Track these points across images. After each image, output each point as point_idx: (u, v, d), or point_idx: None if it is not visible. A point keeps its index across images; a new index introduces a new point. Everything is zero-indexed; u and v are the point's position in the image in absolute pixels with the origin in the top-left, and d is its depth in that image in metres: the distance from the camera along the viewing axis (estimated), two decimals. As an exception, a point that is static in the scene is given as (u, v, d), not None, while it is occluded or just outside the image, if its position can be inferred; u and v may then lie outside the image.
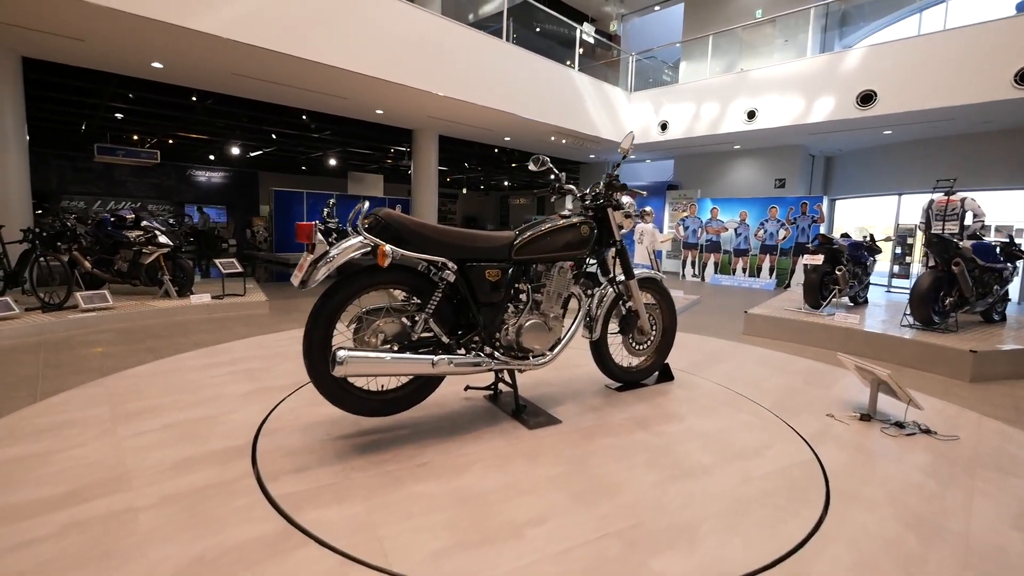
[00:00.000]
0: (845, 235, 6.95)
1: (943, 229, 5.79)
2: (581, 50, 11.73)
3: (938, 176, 6.70)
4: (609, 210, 2.68)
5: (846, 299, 6.95)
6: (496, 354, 2.30)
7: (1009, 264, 5.42)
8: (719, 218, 12.32)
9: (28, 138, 7.11)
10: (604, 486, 1.86)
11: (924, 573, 1.45)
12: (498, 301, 2.30)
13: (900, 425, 2.51)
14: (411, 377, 2.25)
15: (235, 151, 16.51)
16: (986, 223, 5.90)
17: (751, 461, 2.09)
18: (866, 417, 2.60)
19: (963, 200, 5.81)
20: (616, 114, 12.18)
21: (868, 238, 6.87)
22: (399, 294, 2.23)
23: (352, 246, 1.93)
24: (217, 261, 6.95)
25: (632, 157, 15.13)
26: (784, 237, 11.22)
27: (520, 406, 2.49)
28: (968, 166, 9.97)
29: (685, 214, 12.96)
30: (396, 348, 2.12)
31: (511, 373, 2.51)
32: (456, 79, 8.51)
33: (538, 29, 11.63)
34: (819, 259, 6.19)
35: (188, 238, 14.40)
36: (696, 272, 12.71)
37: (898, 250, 9.65)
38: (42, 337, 4.84)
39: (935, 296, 5.06)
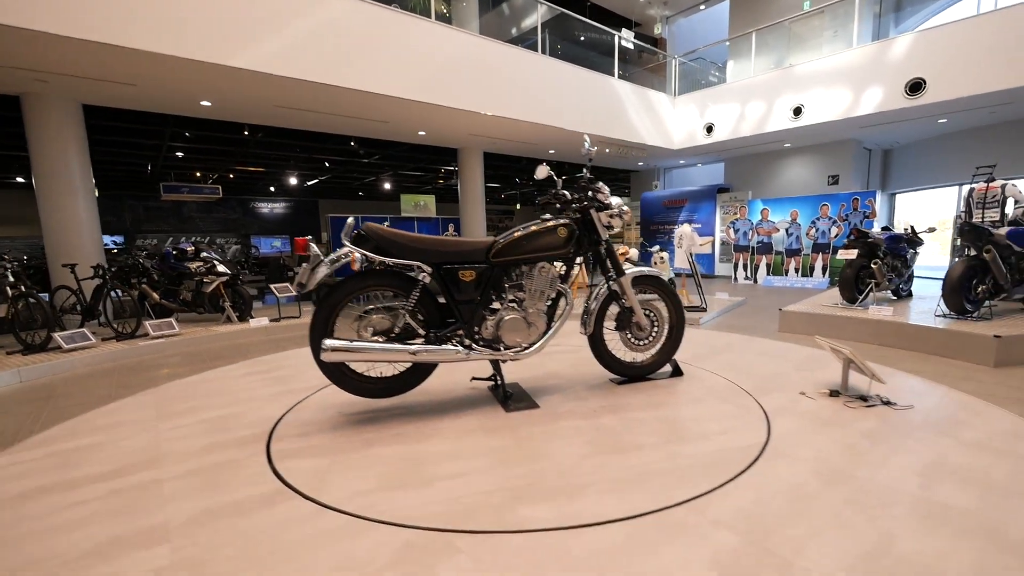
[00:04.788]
0: (885, 228, 6.80)
1: (983, 217, 5.64)
2: (624, 56, 11.81)
3: (1001, 163, 6.46)
4: (592, 211, 2.78)
5: (889, 293, 6.80)
6: (474, 346, 2.54)
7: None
8: (770, 219, 12.13)
9: (94, 182, 7.57)
10: (533, 455, 2.10)
11: (810, 507, 1.68)
12: (475, 299, 2.54)
13: (864, 399, 2.67)
14: (408, 366, 2.61)
15: (292, 181, 17.27)
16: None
17: (693, 444, 2.17)
18: (835, 393, 2.77)
19: (1003, 186, 5.62)
20: (661, 120, 12.25)
21: (909, 230, 6.70)
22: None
23: (339, 254, 2.33)
24: (273, 287, 7.38)
25: (682, 162, 15.11)
26: (836, 235, 10.93)
27: (506, 393, 2.74)
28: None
29: (735, 216, 12.83)
30: (382, 340, 2.44)
31: (495, 363, 2.76)
32: (496, 96, 8.71)
33: (582, 38, 11.83)
34: (853, 253, 6.14)
35: (256, 268, 15.27)
36: (748, 275, 12.53)
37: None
38: (116, 363, 5.36)
39: (967, 285, 4.96)
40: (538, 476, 1.93)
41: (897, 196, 12.51)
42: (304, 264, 2.33)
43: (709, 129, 11.90)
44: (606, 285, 2.96)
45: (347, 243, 2.36)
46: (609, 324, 3.03)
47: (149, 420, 2.72)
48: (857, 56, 9.37)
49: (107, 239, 16.71)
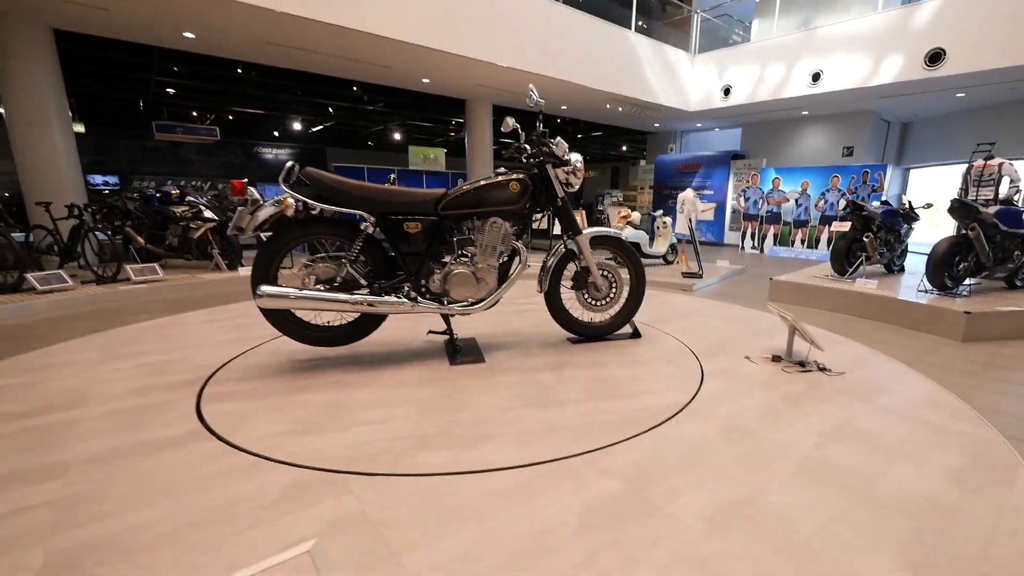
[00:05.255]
0: (885, 202, 6.64)
1: (976, 195, 5.54)
2: (644, 7, 11.32)
3: (1015, 141, 6.29)
4: (548, 167, 2.68)
5: (882, 268, 6.70)
6: (420, 299, 2.52)
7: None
8: (780, 188, 11.87)
9: (72, 115, 7.13)
10: (457, 406, 2.15)
11: (700, 461, 1.73)
12: (421, 251, 2.50)
13: (802, 364, 2.69)
14: (356, 316, 2.64)
15: (297, 126, 16.50)
16: (1022, 188, 5.52)
17: (617, 402, 2.19)
18: (777, 359, 2.79)
19: (1000, 165, 5.49)
20: (678, 79, 11.87)
21: (906, 205, 6.55)
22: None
23: (277, 199, 2.31)
24: (263, 235, 7.31)
25: (699, 125, 14.74)
26: (844, 207, 10.70)
27: (456, 347, 2.77)
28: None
29: (747, 184, 12.58)
30: (324, 288, 2.44)
31: (445, 317, 2.78)
32: (503, 44, 8.38)
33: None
34: (846, 226, 6.05)
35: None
36: (755, 244, 12.36)
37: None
38: (93, 307, 5.22)
39: (950, 261, 4.90)
40: (451, 426, 2.00)
41: (912, 171, 12.14)
42: (241, 208, 2.33)
43: (727, 91, 11.56)
44: (563, 244, 2.94)
45: (284, 188, 2.34)
46: (568, 283, 3.04)
47: (89, 362, 2.74)
48: (880, 21, 8.97)
49: (98, 179, 16.04)
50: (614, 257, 3.16)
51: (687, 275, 7.90)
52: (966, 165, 5.80)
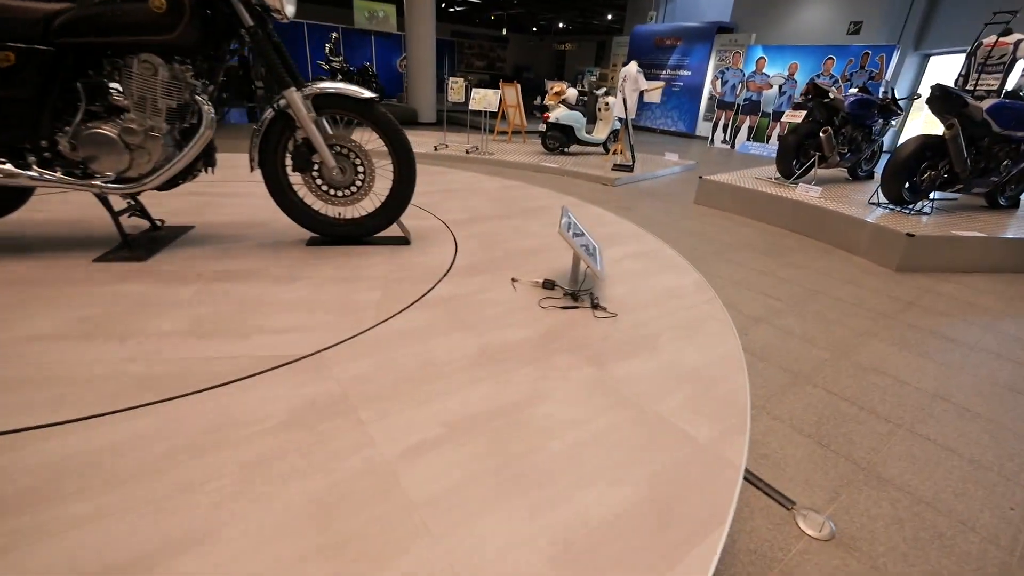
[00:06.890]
0: (863, 89, 5.32)
1: (976, 84, 4.17)
2: None
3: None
4: None
5: (846, 172, 5.53)
6: (37, 168, 1.74)
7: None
8: (764, 71, 10.21)
9: None
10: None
11: (176, 471, 0.81)
12: (27, 97, 1.68)
13: (573, 296, 1.73)
14: None
15: None
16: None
17: (216, 341, 1.36)
18: (549, 285, 1.82)
19: (1018, 43, 4.05)
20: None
21: (888, 94, 5.25)
22: None
23: None
24: None
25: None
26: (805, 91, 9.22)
27: (125, 238, 1.92)
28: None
29: (728, 65, 10.86)
30: None
31: (101, 198, 1.89)
32: None
33: None
34: (799, 116, 4.82)
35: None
36: (727, 138, 10.90)
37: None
38: None
39: (914, 168, 3.72)
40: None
41: (933, 58, 10.14)
42: None
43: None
44: (273, 104, 1.91)
45: None
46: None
47: None
48: None
49: None
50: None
51: (618, 167, 6.74)
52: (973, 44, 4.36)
